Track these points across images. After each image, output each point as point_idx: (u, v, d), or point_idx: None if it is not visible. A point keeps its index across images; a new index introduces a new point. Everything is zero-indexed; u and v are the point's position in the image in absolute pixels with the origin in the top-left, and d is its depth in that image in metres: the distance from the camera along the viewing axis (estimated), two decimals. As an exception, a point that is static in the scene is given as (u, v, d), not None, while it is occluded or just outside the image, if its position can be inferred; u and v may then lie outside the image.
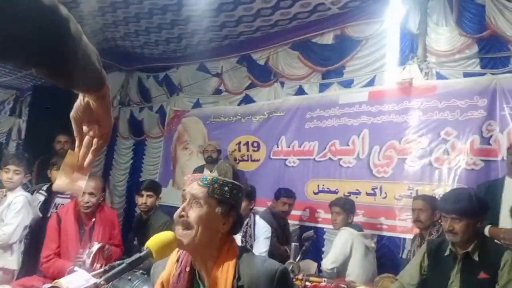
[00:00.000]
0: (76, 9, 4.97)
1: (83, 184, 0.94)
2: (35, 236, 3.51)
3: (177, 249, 1.42)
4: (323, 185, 4.68)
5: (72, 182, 0.93)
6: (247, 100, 5.71)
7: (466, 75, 3.99)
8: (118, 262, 1.19)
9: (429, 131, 4.04)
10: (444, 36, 4.12)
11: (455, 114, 3.91)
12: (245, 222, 3.68)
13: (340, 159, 4.59)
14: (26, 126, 7.26)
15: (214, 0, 4.47)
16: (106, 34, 5.85)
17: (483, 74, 3.90)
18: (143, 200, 3.68)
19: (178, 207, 1.44)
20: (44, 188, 3.92)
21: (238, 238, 3.55)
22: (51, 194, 3.82)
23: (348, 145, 4.55)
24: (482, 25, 3.89)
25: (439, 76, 4.16)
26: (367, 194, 4.33)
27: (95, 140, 0.94)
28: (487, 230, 3.13)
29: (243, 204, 3.20)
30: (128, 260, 1.20)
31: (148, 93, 6.96)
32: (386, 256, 4.11)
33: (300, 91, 5.17)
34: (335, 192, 4.50)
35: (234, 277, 1.36)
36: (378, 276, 3.26)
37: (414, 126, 4.13)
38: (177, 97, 6.51)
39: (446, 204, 2.34)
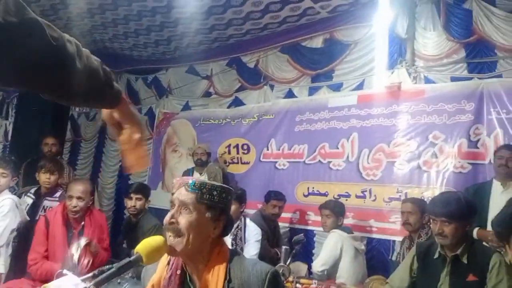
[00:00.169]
0: (65, 10, 4.93)
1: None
2: (23, 239, 3.45)
3: (167, 253, 1.41)
4: (313, 187, 4.70)
5: (144, 156, 1.07)
6: (237, 102, 5.71)
7: (454, 79, 4.05)
8: (107, 266, 1.18)
9: (418, 135, 4.08)
10: (432, 41, 4.17)
11: (443, 118, 3.96)
12: (236, 225, 3.67)
13: (330, 162, 4.62)
14: (13, 128, 7.13)
15: (204, 3, 4.45)
16: (94, 35, 5.80)
17: (471, 78, 3.96)
18: (132, 203, 3.63)
19: (167, 210, 1.43)
20: (32, 191, 3.86)
21: (228, 241, 3.54)
22: (39, 197, 3.77)
23: (338, 148, 4.58)
24: (469, 30, 3.95)
25: (427, 80, 4.21)
26: (357, 196, 4.35)
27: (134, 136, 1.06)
28: (475, 232, 3.17)
29: (234, 207, 3.20)
30: (118, 265, 1.19)
31: (137, 95, 6.89)
32: (376, 258, 4.14)
33: (290, 94, 5.19)
34: (325, 195, 4.52)
35: (225, 279, 1.36)
36: (368, 278, 3.29)
37: (402, 129, 4.18)
38: (166, 100, 6.48)
39: (435, 207, 2.36)
